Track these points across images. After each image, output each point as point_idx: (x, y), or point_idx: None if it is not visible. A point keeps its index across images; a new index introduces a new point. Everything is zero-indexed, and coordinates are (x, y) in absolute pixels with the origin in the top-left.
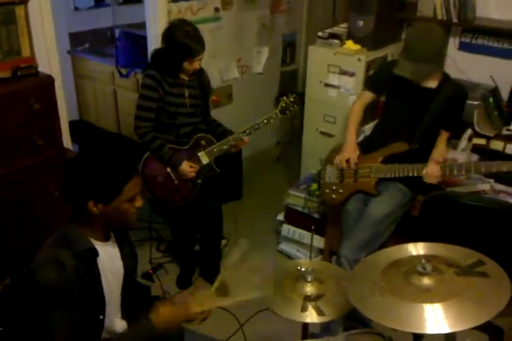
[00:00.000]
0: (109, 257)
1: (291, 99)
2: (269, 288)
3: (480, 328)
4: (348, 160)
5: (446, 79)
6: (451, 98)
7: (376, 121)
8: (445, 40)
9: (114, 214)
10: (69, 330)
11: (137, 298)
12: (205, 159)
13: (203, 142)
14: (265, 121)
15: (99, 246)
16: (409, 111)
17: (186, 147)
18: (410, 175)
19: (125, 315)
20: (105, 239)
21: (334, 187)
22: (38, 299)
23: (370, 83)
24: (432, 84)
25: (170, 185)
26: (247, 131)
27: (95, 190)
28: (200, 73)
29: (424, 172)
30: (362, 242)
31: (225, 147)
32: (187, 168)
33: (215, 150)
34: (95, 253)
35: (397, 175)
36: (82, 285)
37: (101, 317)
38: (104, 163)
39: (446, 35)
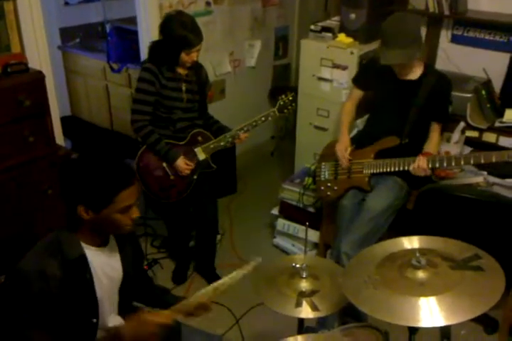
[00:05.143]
0: (104, 263)
1: (290, 98)
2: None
3: (475, 319)
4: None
5: (428, 69)
6: (435, 88)
7: (368, 115)
8: (420, 23)
9: (105, 223)
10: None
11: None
12: (201, 155)
13: (199, 138)
14: (263, 118)
15: (93, 252)
16: (395, 105)
17: (183, 142)
18: (401, 169)
19: (123, 311)
20: (101, 244)
21: (329, 184)
22: (16, 305)
23: (355, 81)
24: (414, 75)
25: (165, 180)
26: (245, 128)
27: (85, 196)
28: (198, 68)
29: (412, 165)
30: (362, 237)
31: (222, 143)
32: (182, 164)
33: (212, 146)
34: (85, 261)
35: (388, 170)
36: (70, 293)
37: (94, 320)
38: (98, 170)
39: (420, 19)
